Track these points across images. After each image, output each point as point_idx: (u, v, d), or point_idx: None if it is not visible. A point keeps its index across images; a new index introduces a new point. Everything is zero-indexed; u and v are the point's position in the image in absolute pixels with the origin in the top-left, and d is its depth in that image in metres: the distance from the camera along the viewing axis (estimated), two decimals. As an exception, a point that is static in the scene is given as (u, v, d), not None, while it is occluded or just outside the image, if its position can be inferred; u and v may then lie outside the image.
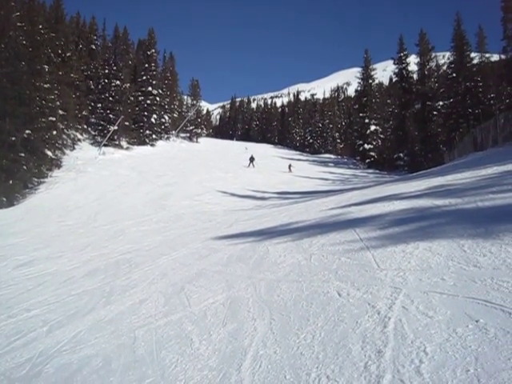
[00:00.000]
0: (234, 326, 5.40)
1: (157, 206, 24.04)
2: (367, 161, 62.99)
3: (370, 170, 55.90)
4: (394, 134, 59.47)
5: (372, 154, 63.36)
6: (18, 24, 37.06)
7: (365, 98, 66.56)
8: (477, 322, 3.85)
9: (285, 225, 12.05)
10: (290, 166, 47.84)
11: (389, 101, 67.49)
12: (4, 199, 28.57)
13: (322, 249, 7.86)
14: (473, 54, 49.52)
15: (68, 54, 51.22)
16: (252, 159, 49.03)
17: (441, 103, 51.52)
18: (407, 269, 5.60)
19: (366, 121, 65.25)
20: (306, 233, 9.68)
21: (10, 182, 29.70)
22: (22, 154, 31.61)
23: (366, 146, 63.77)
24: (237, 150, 70.26)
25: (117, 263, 11.03)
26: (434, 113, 51.36)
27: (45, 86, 38.11)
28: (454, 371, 3.24)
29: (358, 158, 67.51)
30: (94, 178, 35.99)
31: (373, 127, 65.17)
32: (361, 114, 66.65)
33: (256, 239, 10.54)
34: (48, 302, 8.57)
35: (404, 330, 4.03)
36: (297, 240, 9.14)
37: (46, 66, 39.77)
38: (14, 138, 30.71)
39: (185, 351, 5.04)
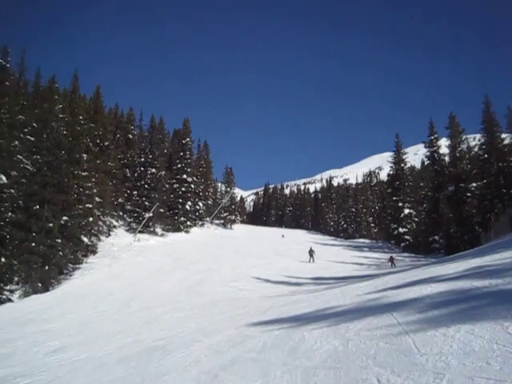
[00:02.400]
0: (270, 416, 5.19)
1: (191, 293, 23.92)
2: (402, 244, 61.98)
3: (406, 254, 54.85)
4: (428, 217, 58.78)
5: (407, 237, 62.43)
6: (60, 115, 39.10)
7: (397, 182, 66.60)
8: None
9: (320, 310, 11.79)
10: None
11: (422, 184, 67.31)
12: (40, 284, 28.93)
13: (359, 334, 7.64)
14: (503, 135, 49.62)
15: (106, 143, 53.31)
16: (312, 252, 40.64)
17: (474, 184, 51.09)
18: (449, 353, 5.37)
19: (400, 204, 64.89)
20: (343, 318, 9.43)
21: (46, 267, 30.19)
22: (59, 240, 32.28)
23: (400, 229, 63.02)
24: (271, 235, 70.34)
25: (149, 350, 10.85)
26: (468, 194, 50.85)
27: (83, 173, 39.55)
28: None
29: (393, 241, 66.51)
30: (128, 264, 36.29)
31: (407, 210, 64.66)
32: (394, 198, 66.42)
33: (291, 325, 10.31)
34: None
35: (449, 418, 3.81)
36: (333, 325, 8.91)
37: (84, 155, 41.42)
38: (51, 225, 31.52)
39: None
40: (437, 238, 54.30)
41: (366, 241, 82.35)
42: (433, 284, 10.39)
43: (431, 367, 5.10)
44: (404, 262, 39.56)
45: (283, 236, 70.01)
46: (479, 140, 52.06)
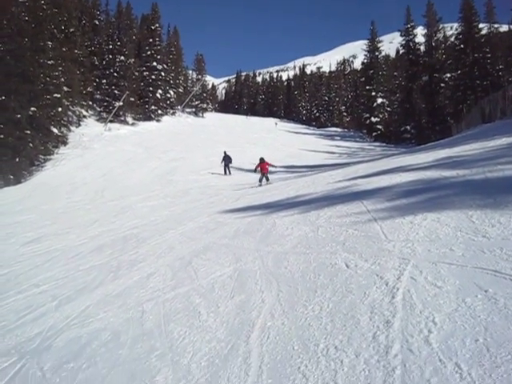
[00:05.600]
0: (241, 298, 5.40)
1: (163, 182, 24.09)
2: (374, 134, 62.62)
3: (377, 143, 55.62)
4: (401, 107, 58.96)
5: (379, 127, 62.94)
6: (20, 0, 36.65)
7: (371, 71, 65.88)
8: (486, 291, 3.82)
9: (291, 198, 12.01)
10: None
11: (396, 73, 66.79)
12: (11, 177, 28.68)
13: (329, 221, 7.83)
14: (481, 25, 48.78)
15: (71, 30, 50.46)
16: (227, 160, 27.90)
17: (448, 75, 50.93)
18: (415, 240, 5.56)
19: (373, 94, 64.68)
20: (313, 205, 9.63)
21: (17, 159, 29.78)
22: (28, 132, 31.64)
23: (372, 119, 63.34)
24: (242, 124, 69.98)
25: (124, 238, 11.05)
26: (442, 85, 50.82)
27: (49, 62, 37.71)
28: (463, 341, 3.22)
29: (365, 131, 67.12)
30: (100, 154, 36.00)
31: (379, 100, 64.65)
32: (367, 87, 66.03)
33: (263, 212, 10.52)
34: (56, 277, 8.62)
35: (412, 301, 4.00)
36: (304, 213, 9.11)
37: (49, 43, 39.24)
38: (19, 116, 30.69)
39: (193, 324, 5.06)
40: (408, 128, 54.89)
41: (338, 130, 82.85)
42: (402, 173, 10.57)
43: (397, 253, 5.29)
44: (375, 152, 40.17)
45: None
46: (456, 29, 51.13)
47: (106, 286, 7.39)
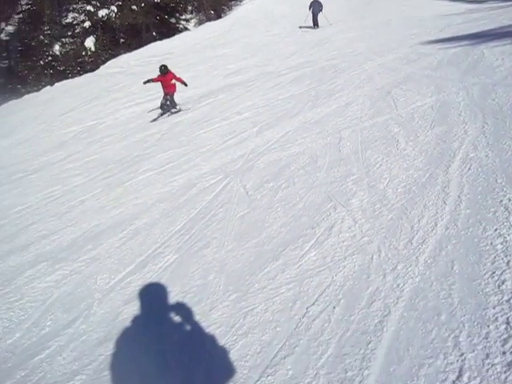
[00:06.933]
0: (442, 129, 5.16)
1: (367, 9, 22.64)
2: None
3: None
4: None
5: None
6: None
7: None
8: None
9: (505, 27, 10.67)
10: None
11: None
12: (212, 12, 29.57)
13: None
14: None
15: None
16: None
17: None
18: None
19: None
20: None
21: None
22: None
23: None
24: None
25: (322, 69, 10.99)
26: None
27: None
28: None
29: None
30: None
31: None
32: None
33: (470, 43, 9.58)
34: (257, 105, 9.08)
35: None
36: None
37: None
38: None
39: (390, 151, 5.02)
40: None
41: None
42: None
43: None
44: None
45: None
46: None
47: (304, 113, 7.59)
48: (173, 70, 10.98)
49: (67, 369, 3.01)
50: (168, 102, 11.02)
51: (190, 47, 21.23)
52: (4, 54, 32.89)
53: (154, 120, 10.71)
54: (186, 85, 11.04)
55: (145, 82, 10.97)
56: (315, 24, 20.34)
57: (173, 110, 11.12)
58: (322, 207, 4.26)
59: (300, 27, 20.94)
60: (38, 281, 4.26)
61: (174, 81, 10.95)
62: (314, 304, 2.96)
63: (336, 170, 4.98)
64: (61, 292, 3.99)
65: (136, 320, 3.37)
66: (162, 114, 11.05)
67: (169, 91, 11.00)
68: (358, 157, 5.14)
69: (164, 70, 10.86)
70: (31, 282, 4.25)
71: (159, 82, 11.00)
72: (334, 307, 2.88)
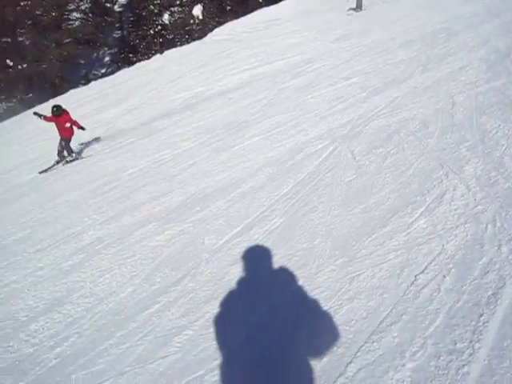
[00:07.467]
0: None
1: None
2: None
3: None
4: None
5: None
6: None
7: None
8: None
9: None
10: None
11: None
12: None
13: None
14: None
15: None
16: None
17: None
18: None
19: None
20: None
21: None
22: None
23: None
24: None
25: (433, 32, 10.48)
26: None
27: None
28: None
29: None
30: None
31: None
32: None
33: None
34: (365, 71, 8.88)
35: None
36: None
37: None
38: None
39: (508, 117, 4.79)
40: None
41: None
42: None
43: None
44: None
45: None
46: None
47: (414, 78, 7.35)
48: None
49: (175, 323, 3.21)
50: (62, 149, 9.76)
51: (297, 13, 20.99)
52: (117, 25, 34.52)
53: (44, 171, 9.47)
54: (83, 129, 9.86)
55: (35, 114, 9.79)
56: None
57: (68, 159, 9.78)
58: (433, 174, 4.17)
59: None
60: (148, 239, 4.54)
61: (68, 124, 9.59)
62: (422, 272, 2.95)
63: (448, 136, 4.82)
64: (170, 251, 4.22)
65: (242, 280, 3.51)
66: (57, 163, 9.73)
67: (63, 135, 9.74)
68: (472, 123, 4.94)
69: (56, 111, 9.56)
70: (142, 241, 4.54)
71: (53, 123, 9.70)
72: (445, 276, 2.85)
